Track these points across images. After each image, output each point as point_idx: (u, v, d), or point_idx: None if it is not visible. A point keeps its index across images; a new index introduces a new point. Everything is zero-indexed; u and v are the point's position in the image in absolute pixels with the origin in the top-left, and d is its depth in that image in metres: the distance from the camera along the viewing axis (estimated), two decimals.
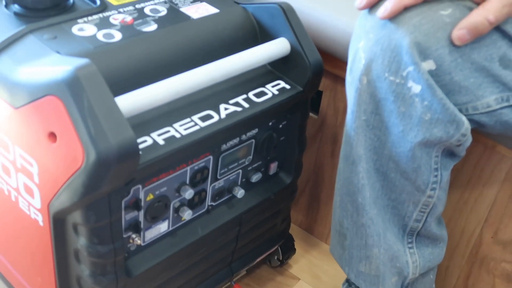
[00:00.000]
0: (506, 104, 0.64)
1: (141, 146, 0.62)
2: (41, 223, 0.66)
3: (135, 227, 0.69)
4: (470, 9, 0.60)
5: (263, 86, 0.76)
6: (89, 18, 0.71)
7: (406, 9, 0.60)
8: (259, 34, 0.79)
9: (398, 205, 0.71)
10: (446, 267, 0.92)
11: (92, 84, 0.56)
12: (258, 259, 0.94)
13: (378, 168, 0.70)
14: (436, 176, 0.68)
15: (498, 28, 0.61)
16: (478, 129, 0.66)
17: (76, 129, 0.56)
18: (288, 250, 1.00)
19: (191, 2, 0.79)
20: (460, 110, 0.63)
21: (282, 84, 0.77)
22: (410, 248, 0.75)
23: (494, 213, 0.84)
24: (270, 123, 0.79)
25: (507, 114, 0.64)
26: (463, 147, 0.66)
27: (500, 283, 0.88)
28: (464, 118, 0.63)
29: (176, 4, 0.78)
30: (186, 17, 0.75)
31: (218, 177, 0.76)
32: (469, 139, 0.65)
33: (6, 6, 0.72)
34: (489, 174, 0.82)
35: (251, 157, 0.79)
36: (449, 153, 0.68)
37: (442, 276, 0.93)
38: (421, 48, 0.60)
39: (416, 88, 0.61)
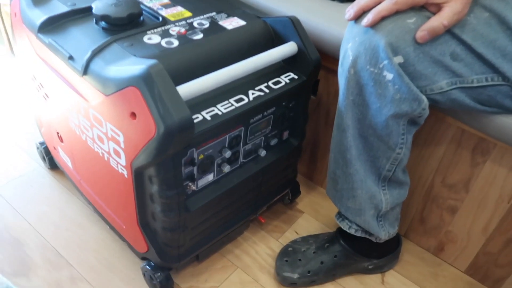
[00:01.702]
0: (454, 86, 0.63)
1: (195, 121, 0.62)
2: (126, 176, 0.67)
3: (191, 177, 0.70)
4: (429, 18, 0.59)
5: (279, 76, 0.76)
6: (155, 30, 0.71)
7: (382, 18, 0.60)
8: (275, 39, 0.78)
9: (375, 160, 0.72)
10: (407, 203, 0.93)
11: (160, 78, 0.56)
12: (275, 199, 0.95)
13: (361, 134, 0.70)
14: (403, 139, 0.68)
15: (449, 31, 0.60)
16: (433, 105, 0.66)
17: (150, 109, 0.56)
18: (295, 192, 1.01)
19: (226, 17, 0.78)
20: (421, 91, 0.63)
21: (292, 75, 0.77)
22: (383, 189, 0.75)
23: (442, 165, 0.84)
24: (284, 103, 0.78)
25: (455, 93, 0.64)
26: (423, 118, 0.66)
27: (446, 214, 0.89)
28: (424, 97, 0.63)
29: (216, 19, 0.77)
30: (223, 28, 0.74)
31: (248, 141, 0.77)
32: (427, 112, 0.65)
33: (96, 23, 0.72)
34: (439, 137, 0.82)
35: (270, 127, 0.79)
36: (412, 122, 0.68)
37: (405, 209, 0.93)
38: (393, 47, 0.59)
39: (389, 76, 0.61)
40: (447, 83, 0.63)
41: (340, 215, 0.85)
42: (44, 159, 1.03)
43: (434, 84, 0.63)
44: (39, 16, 0.72)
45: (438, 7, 0.58)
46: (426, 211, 0.91)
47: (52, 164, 1.03)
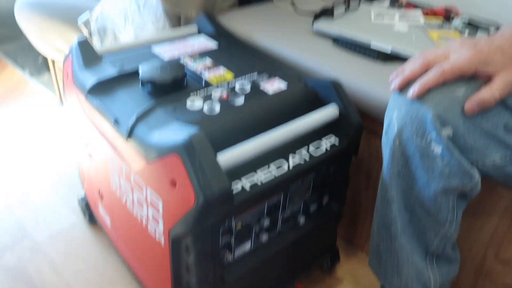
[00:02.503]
0: (509, 161, 0.59)
1: (234, 191, 0.61)
2: (162, 244, 0.66)
3: (228, 247, 0.68)
4: (479, 88, 0.56)
5: (320, 139, 0.74)
6: (198, 94, 0.72)
7: (430, 89, 0.57)
8: (316, 102, 0.77)
9: (422, 234, 0.67)
10: (457, 279, 0.85)
11: (201, 146, 0.56)
12: (313, 265, 0.91)
13: (407, 206, 0.66)
14: (453, 214, 0.64)
15: (502, 102, 0.57)
16: (485, 178, 0.62)
17: (190, 179, 0.56)
18: (335, 258, 0.97)
19: (268, 78, 0.78)
20: (472, 165, 0.59)
21: (333, 138, 0.75)
22: (431, 266, 0.70)
23: (496, 238, 0.78)
24: (324, 169, 0.76)
25: (509, 168, 0.60)
26: (475, 192, 0.62)
27: None
28: (475, 172, 0.59)
29: (257, 82, 0.77)
30: (264, 94, 0.74)
31: (286, 208, 0.74)
32: (479, 187, 0.60)
33: (142, 85, 0.73)
34: (490, 208, 0.76)
35: (310, 193, 0.77)
36: (463, 196, 0.64)
37: (454, 286, 0.86)
38: (441, 119, 0.56)
39: (437, 149, 0.58)
40: (501, 157, 0.59)
41: None
42: (84, 213, 1.05)
43: (486, 158, 0.59)
44: (89, 78, 0.75)
45: (489, 77, 0.56)
46: None
47: (92, 220, 1.04)
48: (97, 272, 0.95)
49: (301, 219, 0.77)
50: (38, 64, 1.73)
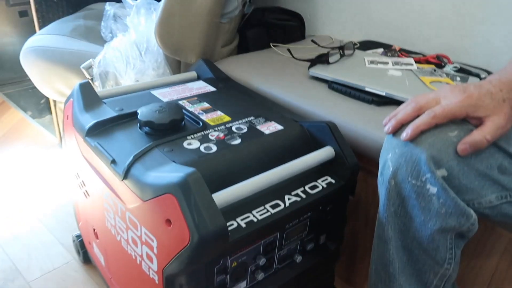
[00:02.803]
0: (505, 200, 0.59)
1: (229, 229, 0.61)
2: (156, 282, 0.65)
3: (223, 286, 0.67)
4: (471, 131, 0.57)
5: (315, 180, 0.74)
6: (195, 135, 0.73)
7: (422, 132, 0.58)
8: (312, 143, 0.78)
9: (421, 274, 0.66)
10: None
11: (197, 186, 0.57)
12: None
13: (404, 246, 0.65)
14: (451, 253, 0.63)
15: (495, 144, 0.58)
16: (482, 218, 0.62)
17: (185, 218, 0.56)
18: None
19: (264, 122, 0.80)
20: (468, 205, 0.59)
21: (329, 179, 0.75)
22: None
23: (496, 278, 0.77)
24: (321, 207, 0.76)
25: (505, 208, 0.60)
26: (472, 232, 0.61)
27: None
28: (472, 212, 0.59)
29: (254, 124, 0.79)
30: (261, 133, 0.76)
31: (283, 247, 0.74)
32: (476, 227, 0.60)
33: (140, 127, 0.74)
34: (490, 248, 0.76)
35: (306, 231, 0.77)
36: (460, 235, 0.63)
37: None
38: (435, 160, 0.57)
39: (433, 189, 0.58)
40: (497, 197, 0.59)
41: None
42: (78, 252, 1.03)
43: (482, 198, 0.59)
44: (88, 120, 0.76)
45: (480, 121, 0.57)
46: None
47: (86, 259, 1.02)
48: None
49: (298, 258, 0.77)
50: (40, 107, 1.76)
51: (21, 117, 1.74)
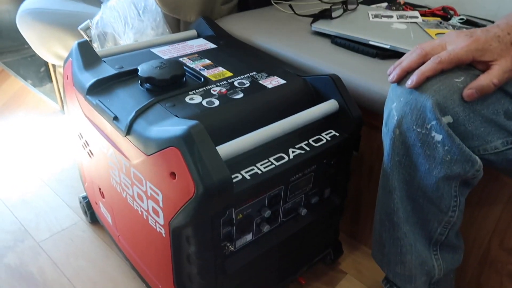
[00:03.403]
0: (510, 146, 0.59)
1: (234, 181, 0.61)
2: (163, 235, 0.66)
3: (229, 238, 0.68)
4: (477, 76, 0.56)
5: (319, 134, 0.74)
6: (197, 90, 0.72)
7: (428, 78, 0.57)
8: (315, 97, 0.77)
9: (425, 223, 0.67)
10: (462, 268, 0.85)
11: (200, 138, 0.56)
12: (316, 259, 0.90)
13: (409, 195, 0.66)
14: (455, 201, 0.63)
15: (501, 89, 0.57)
16: (487, 165, 0.61)
17: (190, 170, 0.56)
18: (338, 252, 0.96)
19: (267, 76, 0.78)
20: (473, 152, 0.59)
21: (333, 132, 0.75)
22: (435, 255, 0.69)
23: (500, 226, 0.77)
24: (325, 161, 0.76)
25: (511, 153, 0.59)
26: (477, 179, 0.61)
27: (506, 281, 0.80)
28: (477, 158, 0.58)
29: (256, 78, 0.77)
30: (263, 87, 0.74)
31: (288, 200, 0.74)
32: (481, 173, 0.60)
33: (141, 84, 0.73)
34: (494, 196, 0.76)
35: (311, 185, 0.77)
36: (465, 183, 0.63)
37: (459, 275, 0.85)
38: (441, 107, 0.56)
39: (438, 137, 0.57)
40: (502, 143, 0.59)
41: (387, 280, 0.79)
42: (85, 213, 1.05)
43: (487, 144, 0.59)
44: (89, 79, 0.75)
45: (487, 65, 0.56)
46: (483, 277, 0.83)
47: (93, 219, 1.04)
48: (99, 270, 0.94)
49: (303, 211, 0.77)
50: (40, 75, 1.74)
51: (22, 85, 1.73)
